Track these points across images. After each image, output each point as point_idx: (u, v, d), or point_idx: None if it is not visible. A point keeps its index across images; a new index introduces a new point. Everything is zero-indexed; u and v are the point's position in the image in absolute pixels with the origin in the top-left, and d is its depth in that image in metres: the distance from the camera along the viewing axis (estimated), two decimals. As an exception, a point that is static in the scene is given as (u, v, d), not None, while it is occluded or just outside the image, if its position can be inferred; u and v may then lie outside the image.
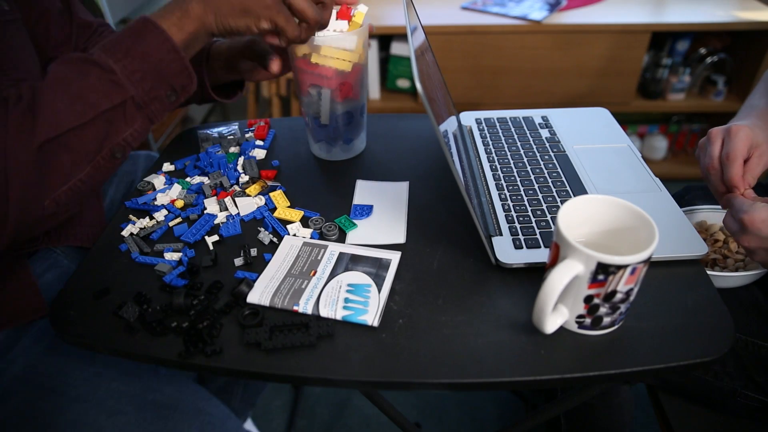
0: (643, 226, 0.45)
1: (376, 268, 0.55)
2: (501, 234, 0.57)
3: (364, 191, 0.67)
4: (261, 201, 0.66)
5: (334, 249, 0.57)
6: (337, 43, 0.62)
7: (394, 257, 0.56)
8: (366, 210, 0.63)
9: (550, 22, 1.63)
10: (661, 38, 1.74)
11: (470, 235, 0.59)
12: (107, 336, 0.50)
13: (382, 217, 0.63)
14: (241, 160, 0.73)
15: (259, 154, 0.75)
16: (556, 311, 0.47)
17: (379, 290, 0.52)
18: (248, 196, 0.66)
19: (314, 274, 0.54)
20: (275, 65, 0.68)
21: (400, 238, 0.59)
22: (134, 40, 0.48)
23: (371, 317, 0.49)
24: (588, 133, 0.75)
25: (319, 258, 0.56)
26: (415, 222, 0.62)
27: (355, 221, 0.61)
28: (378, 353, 0.47)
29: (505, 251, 0.55)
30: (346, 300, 0.51)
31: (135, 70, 0.47)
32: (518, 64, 1.70)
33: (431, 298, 0.52)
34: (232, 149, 0.76)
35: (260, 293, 0.52)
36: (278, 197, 0.66)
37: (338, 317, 0.50)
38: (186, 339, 0.48)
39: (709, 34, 1.77)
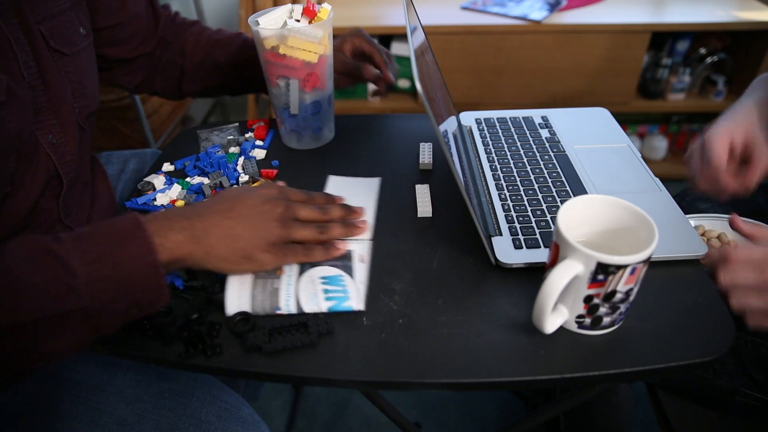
0: (642, 226, 0.45)
1: (341, 260, 0.55)
2: (501, 234, 0.57)
3: (335, 186, 0.68)
4: None
5: None
6: (304, 35, 0.65)
7: (359, 245, 0.57)
8: None
9: (550, 22, 1.63)
10: (661, 38, 1.74)
11: (470, 235, 0.59)
12: (107, 337, 0.49)
13: None
14: (241, 160, 0.73)
15: (259, 154, 0.75)
16: (556, 311, 0.47)
17: (353, 277, 0.53)
18: None
19: (281, 272, 0.53)
20: (387, 74, 0.73)
21: (366, 234, 0.60)
22: (114, 245, 0.42)
23: (355, 302, 0.50)
24: (588, 133, 0.75)
25: None
26: (415, 222, 0.62)
27: None
28: (378, 353, 0.47)
29: (505, 251, 0.55)
30: (326, 291, 0.51)
31: (100, 279, 0.40)
32: (518, 64, 1.70)
33: (431, 298, 0.52)
34: (232, 149, 0.76)
35: (236, 303, 0.51)
36: None
37: (324, 309, 0.50)
38: (186, 340, 0.48)
39: (709, 34, 1.77)
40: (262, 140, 0.79)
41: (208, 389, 0.60)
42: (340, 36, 0.78)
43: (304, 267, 0.54)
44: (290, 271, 0.53)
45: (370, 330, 0.49)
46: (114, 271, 0.41)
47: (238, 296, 0.51)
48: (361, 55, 0.78)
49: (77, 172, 0.65)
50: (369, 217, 0.62)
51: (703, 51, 1.76)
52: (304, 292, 0.51)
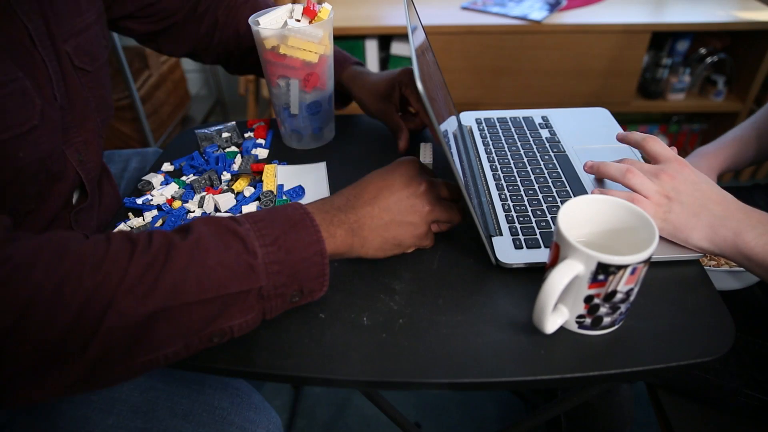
0: (643, 226, 0.45)
1: None
2: (501, 234, 0.57)
3: (285, 174, 0.71)
4: (250, 190, 0.67)
5: None
6: (304, 35, 0.66)
7: None
8: (299, 192, 0.67)
9: (550, 22, 1.63)
10: (661, 38, 1.74)
11: (470, 235, 0.58)
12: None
13: (308, 196, 0.67)
14: (238, 158, 0.73)
15: (262, 153, 0.75)
16: (557, 311, 0.47)
17: None
18: (232, 191, 0.68)
19: None
20: (403, 142, 0.72)
21: None
22: (287, 230, 0.43)
23: None
24: (588, 133, 0.75)
25: None
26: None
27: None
28: (378, 353, 0.47)
29: (505, 251, 0.55)
30: None
31: (275, 261, 0.42)
32: (518, 64, 1.70)
33: (431, 298, 0.52)
34: (232, 148, 0.76)
35: None
36: (269, 171, 0.69)
37: None
38: None
39: (709, 34, 1.77)
40: (263, 140, 0.79)
41: (218, 378, 0.61)
42: (393, 75, 0.73)
43: None
44: None
45: (370, 330, 0.49)
46: (287, 255, 0.42)
47: None
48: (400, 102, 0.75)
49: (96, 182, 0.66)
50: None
51: (703, 51, 1.76)
52: None
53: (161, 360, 0.39)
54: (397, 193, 0.50)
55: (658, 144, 0.56)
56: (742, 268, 0.64)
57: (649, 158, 0.57)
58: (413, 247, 0.53)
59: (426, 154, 0.72)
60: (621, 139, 0.62)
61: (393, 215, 0.50)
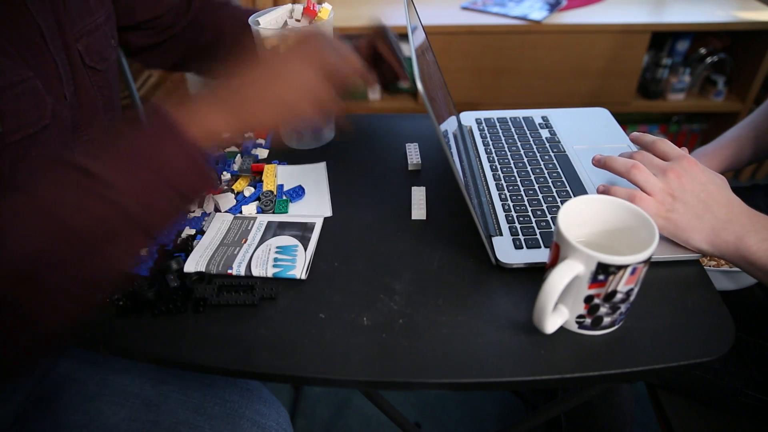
0: (643, 226, 0.45)
1: (302, 231, 0.59)
2: (501, 234, 0.57)
3: (286, 174, 0.71)
4: (250, 191, 0.67)
5: (262, 219, 0.62)
6: None
7: (318, 220, 0.61)
8: (299, 192, 0.67)
9: (550, 22, 1.63)
10: (661, 38, 1.74)
11: (470, 235, 0.58)
12: (103, 335, 0.50)
13: (308, 196, 0.67)
14: (238, 158, 0.73)
15: (262, 153, 0.75)
16: (557, 311, 0.47)
17: (305, 248, 0.57)
18: (232, 191, 0.68)
19: (245, 242, 0.58)
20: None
21: (327, 212, 0.64)
22: (152, 150, 0.40)
23: (299, 271, 0.54)
24: (588, 133, 0.75)
25: (249, 228, 0.60)
26: (415, 222, 0.62)
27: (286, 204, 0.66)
28: (378, 353, 0.47)
29: (506, 251, 0.55)
30: (276, 260, 0.55)
31: (138, 181, 0.39)
32: (518, 64, 1.70)
33: (431, 298, 0.52)
34: (232, 148, 0.76)
35: (195, 262, 0.55)
36: (269, 171, 0.69)
37: (269, 275, 0.54)
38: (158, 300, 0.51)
39: (709, 34, 1.77)
40: (263, 140, 0.79)
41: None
42: (361, 36, 0.74)
43: (265, 237, 0.59)
44: (252, 240, 0.58)
45: (370, 330, 0.49)
46: (153, 174, 0.40)
47: (200, 255, 0.56)
48: (376, 56, 0.73)
49: None
50: (326, 197, 0.66)
51: (703, 51, 1.76)
52: (257, 258, 0.55)
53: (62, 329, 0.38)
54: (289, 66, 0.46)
55: (667, 144, 0.56)
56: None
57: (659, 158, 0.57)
58: (313, 109, 0.48)
59: (413, 155, 0.72)
60: (634, 140, 0.62)
61: (280, 81, 0.46)
